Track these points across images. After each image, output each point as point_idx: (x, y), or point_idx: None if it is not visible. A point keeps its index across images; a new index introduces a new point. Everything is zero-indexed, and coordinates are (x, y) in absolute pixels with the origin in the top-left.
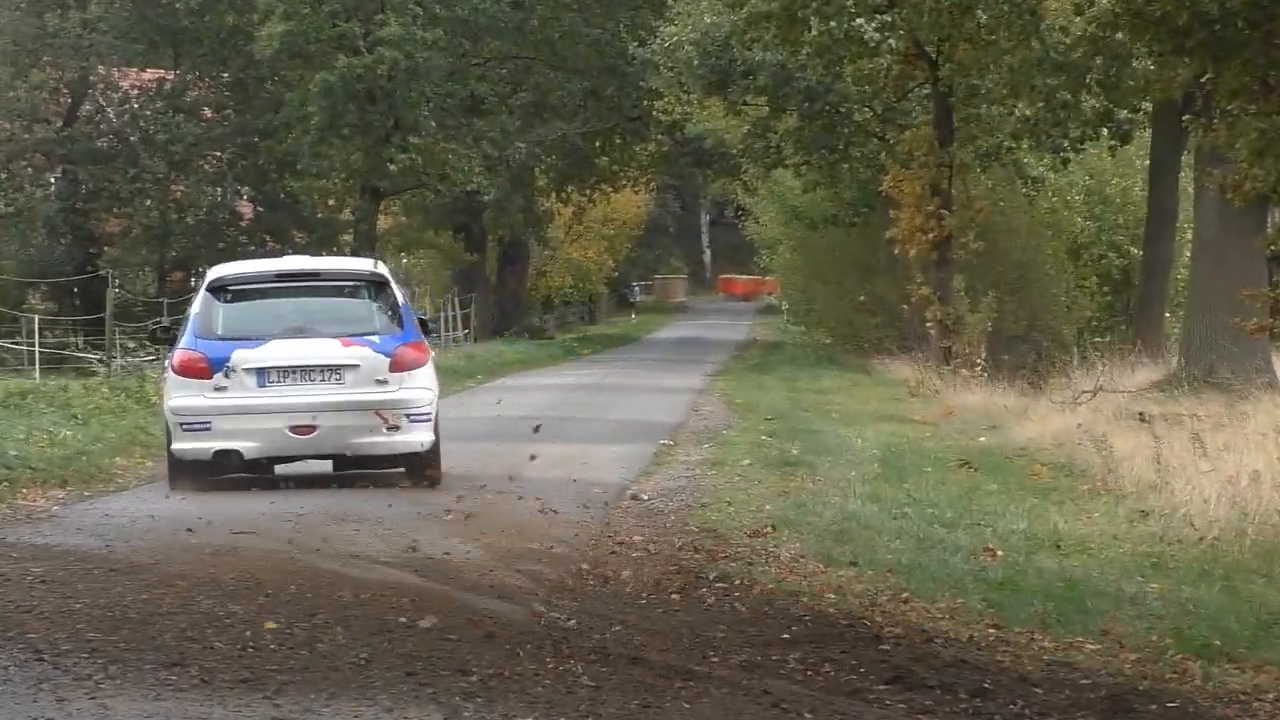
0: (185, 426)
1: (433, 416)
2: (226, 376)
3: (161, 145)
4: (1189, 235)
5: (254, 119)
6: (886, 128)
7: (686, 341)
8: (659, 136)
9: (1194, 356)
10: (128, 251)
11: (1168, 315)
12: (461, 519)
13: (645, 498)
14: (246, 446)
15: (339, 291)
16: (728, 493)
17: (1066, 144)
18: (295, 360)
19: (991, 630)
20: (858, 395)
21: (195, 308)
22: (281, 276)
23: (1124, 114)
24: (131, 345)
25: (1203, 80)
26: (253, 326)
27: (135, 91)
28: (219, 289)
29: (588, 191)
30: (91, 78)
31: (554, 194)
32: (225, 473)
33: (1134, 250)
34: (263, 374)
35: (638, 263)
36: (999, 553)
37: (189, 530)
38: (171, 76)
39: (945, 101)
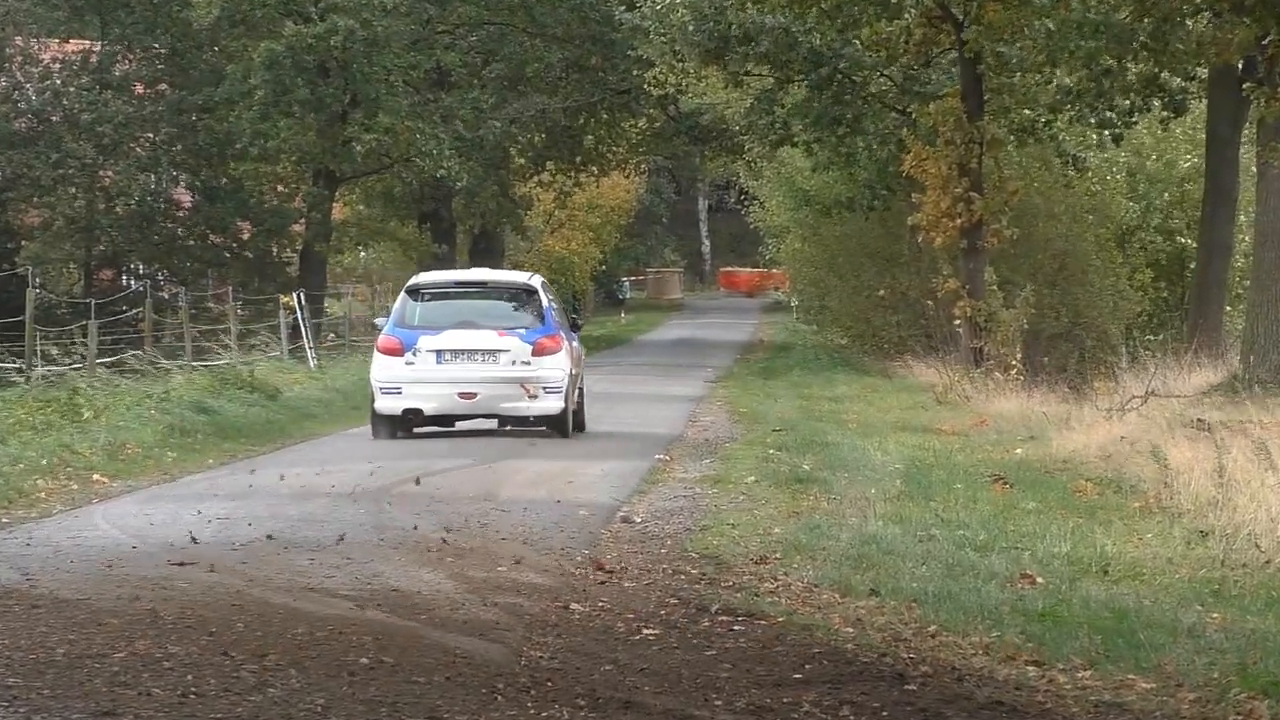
0: (383, 390)
1: (564, 389)
2: (414, 355)
3: (87, 126)
4: (1251, 218)
5: (191, 95)
6: (907, 99)
7: (683, 343)
8: (650, 112)
9: (1258, 355)
10: (49, 246)
11: (1228, 309)
12: (431, 545)
13: (638, 520)
14: (427, 406)
15: (499, 296)
16: (731, 514)
17: (1115, 117)
18: (463, 345)
19: (1031, 667)
20: (877, 403)
21: (397, 304)
22: (459, 284)
23: (1175, 82)
24: (55, 352)
25: (1265, 42)
26: (435, 320)
27: (57, 65)
28: (414, 291)
29: (570, 174)
30: (7, 50)
31: (532, 178)
32: (411, 426)
33: (1186, 236)
34: (440, 354)
35: (627, 255)
36: (1038, 580)
37: (109, 567)
38: (98, 48)
39: (974, 69)
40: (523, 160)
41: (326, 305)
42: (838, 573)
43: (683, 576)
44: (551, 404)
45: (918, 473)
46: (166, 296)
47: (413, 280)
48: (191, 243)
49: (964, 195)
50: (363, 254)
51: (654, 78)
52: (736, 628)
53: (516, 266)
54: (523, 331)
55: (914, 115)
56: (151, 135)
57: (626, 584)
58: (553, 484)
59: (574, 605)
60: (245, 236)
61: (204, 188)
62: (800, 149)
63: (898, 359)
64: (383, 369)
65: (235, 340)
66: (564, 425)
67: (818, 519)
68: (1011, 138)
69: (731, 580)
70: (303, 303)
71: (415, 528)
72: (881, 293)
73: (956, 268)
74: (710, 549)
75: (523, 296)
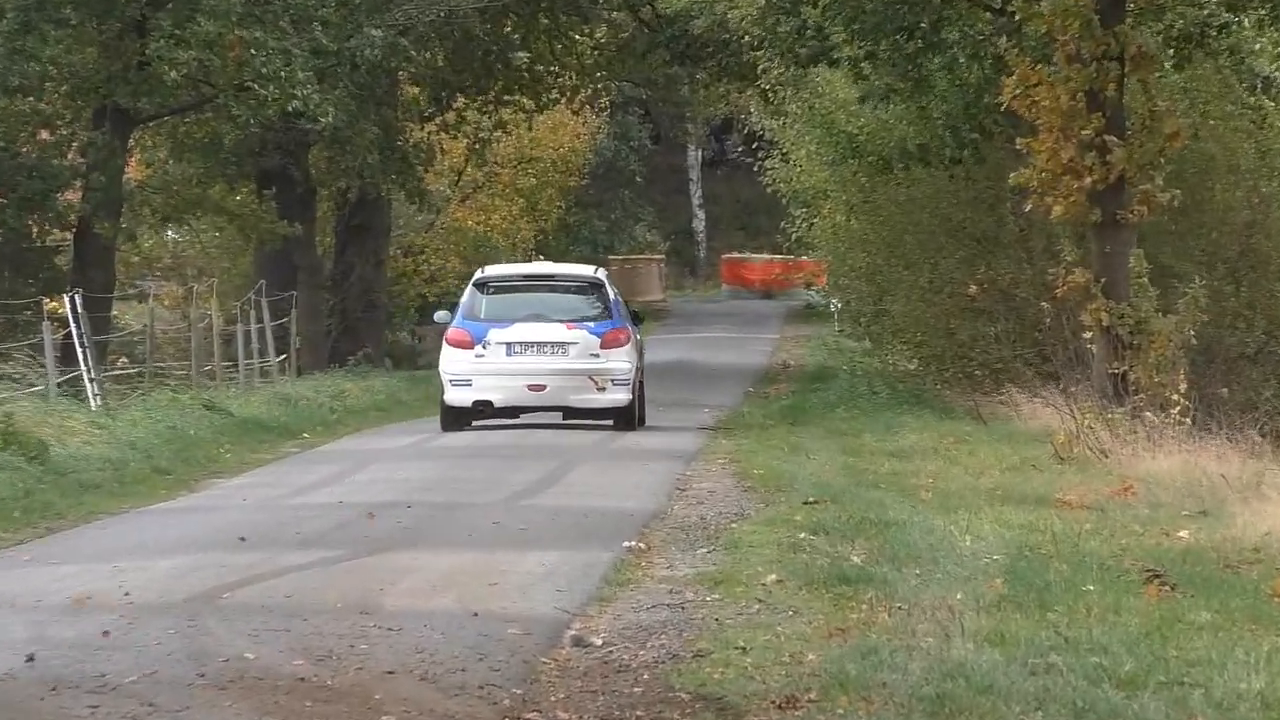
0: (454, 382)
1: (631, 382)
2: (484, 348)
3: None
4: None
5: None
6: None
7: (667, 372)
8: (615, 14)
9: None
10: None
11: None
12: (280, 684)
13: (597, 643)
14: (496, 398)
15: (567, 289)
16: (741, 632)
17: None
18: (532, 338)
19: None
20: (964, 459)
21: (465, 298)
22: (526, 278)
23: None
24: None
25: None
26: (504, 313)
27: None
28: (483, 285)
29: (491, 111)
30: None
31: (433, 117)
32: (481, 417)
33: None
34: (510, 347)
35: (579, 235)
36: None
37: None
38: None
39: None
40: (418, 90)
41: (116, 314)
42: None
43: None
44: (619, 396)
45: (1028, 568)
46: None
47: (480, 274)
48: None
49: (1096, 140)
50: (172, 235)
51: None
52: None
53: (408, 250)
54: (591, 324)
55: (1019, 17)
56: None
57: None
58: (467, 585)
59: None
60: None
61: None
62: (845, 70)
63: (996, 391)
64: (453, 361)
65: None
66: (631, 417)
67: (874, 640)
68: (1169, 51)
69: None
70: (79, 310)
71: (254, 656)
72: (971, 290)
73: (1086, 251)
74: (709, 687)
75: (589, 289)
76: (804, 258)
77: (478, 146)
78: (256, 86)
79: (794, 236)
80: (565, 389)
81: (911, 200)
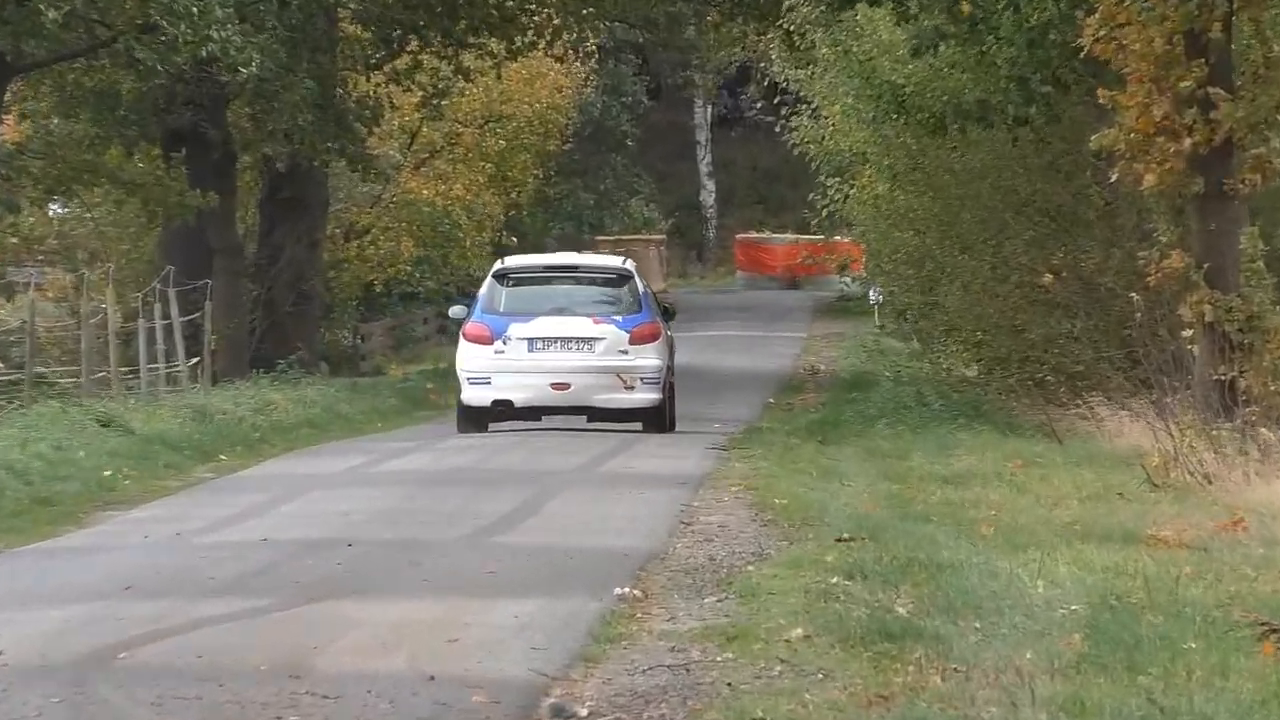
0: (471, 380)
1: (661, 380)
2: (504, 344)
3: None
4: None
5: None
6: None
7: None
8: None
9: None
10: None
11: None
12: None
13: (582, 714)
14: (517, 397)
15: (593, 281)
16: (759, 700)
17: None
18: (556, 333)
19: None
20: (1035, 486)
21: (483, 290)
22: (550, 269)
23: None
24: None
25: None
26: (525, 306)
27: None
28: (503, 276)
29: (451, 58)
30: None
31: (381, 65)
32: (501, 419)
33: None
34: (532, 342)
35: (561, 210)
36: None
37: None
38: None
39: None
40: (362, 33)
41: None
42: None
43: None
44: (649, 396)
45: (1113, 621)
46: None
47: (499, 264)
48: None
49: (1198, 93)
50: (58, 210)
51: None
52: None
53: (349, 230)
54: (619, 318)
55: None
56: None
57: None
58: (421, 642)
59: None
60: None
61: None
62: (887, 8)
63: (1073, 403)
64: (471, 358)
65: None
66: (661, 419)
67: (923, 709)
68: None
69: None
70: None
71: None
72: (1044, 279)
73: (1185, 230)
74: None
75: (617, 281)
76: (837, 238)
77: (435, 101)
78: (165, 24)
79: (825, 212)
80: (591, 388)
81: (970, 168)
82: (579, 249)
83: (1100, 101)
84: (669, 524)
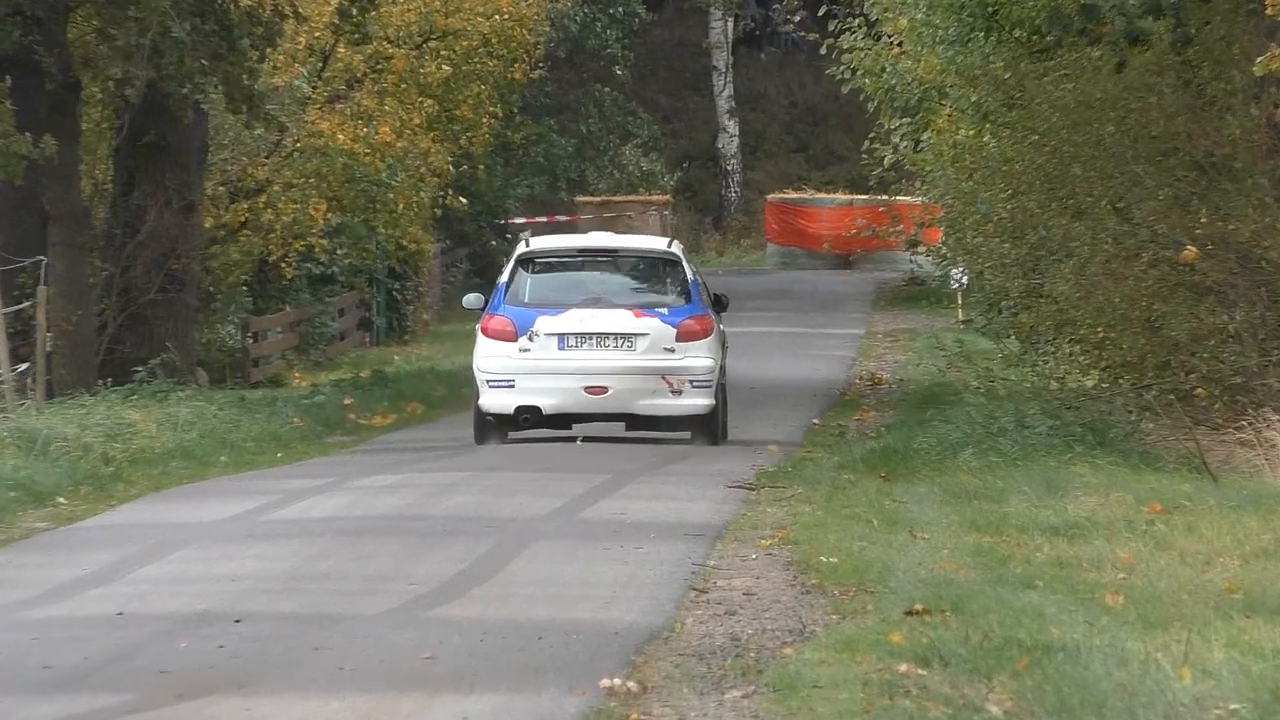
0: (492, 383)
1: (714, 383)
2: (530, 340)
3: None
4: None
5: None
6: None
7: None
8: None
9: None
10: None
11: None
12: None
13: None
14: (545, 403)
15: (634, 267)
16: None
17: None
18: (592, 328)
19: None
20: (1181, 540)
21: (504, 277)
22: (583, 252)
23: None
24: None
25: None
26: (555, 296)
27: None
28: (527, 261)
29: None
30: None
31: None
32: (525, 427)
33: None
34: (563, 339)
35: (532, 160)
36: None
37: None
38: None
39: None
40: None
41: None
42: None
43: None
44: (699, 401)
45: None
46: None
47: (524, 246)
48: None
49: None
50: None
51: None
52: None
53: (238, 188)
54: (664, 311)
55: None
56: None
57: None
58: None
59: None
60: None
61: None
62: None
63: (1233, 424)
64: (490, 357)
65: None
66: (714, 428)
67: None
68: None
69: None
70: None
71: None
72: (1188, 254)
73: None
74: None
75: (662, 267)
76: (905, 200)
77: (355, 11)
78: None
79: (887, 163)
80: (632, 392)
81: (1087, 102)
82: (552, 214)
83: (1268, 10)
84: (676, 590)
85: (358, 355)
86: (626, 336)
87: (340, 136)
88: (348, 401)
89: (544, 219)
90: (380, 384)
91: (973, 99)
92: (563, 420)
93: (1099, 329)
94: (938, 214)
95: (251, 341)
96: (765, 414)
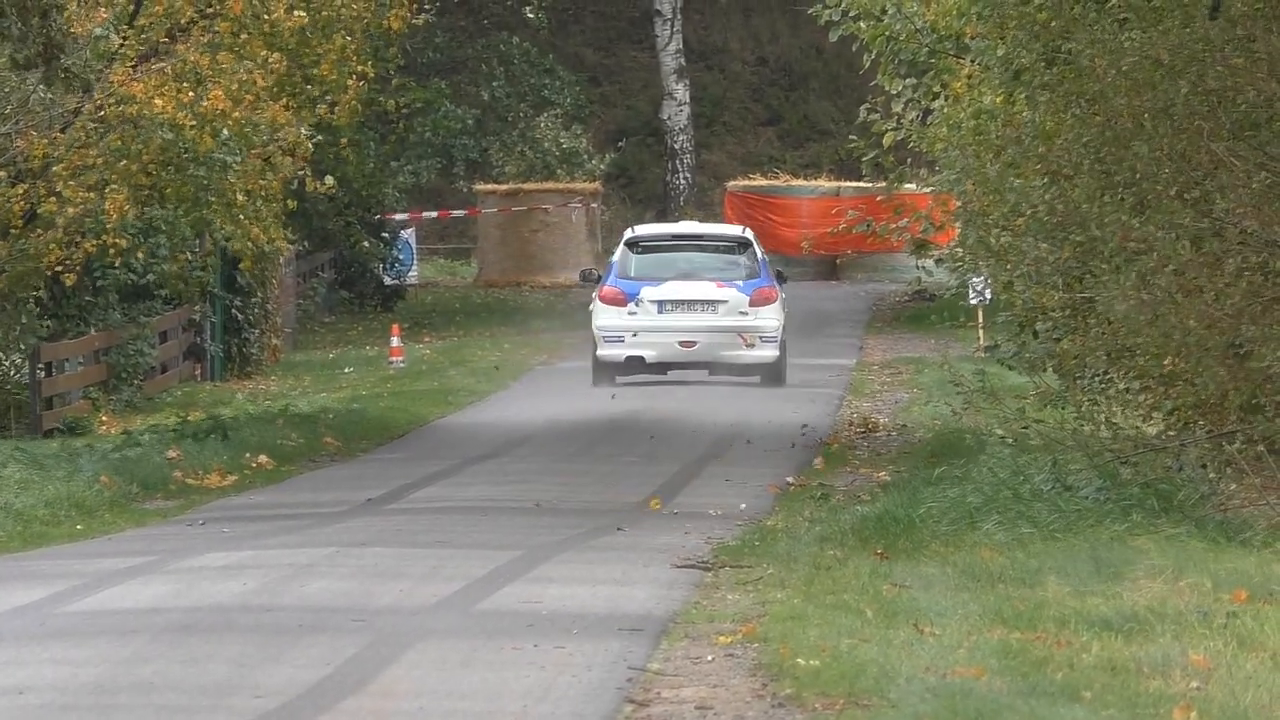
0: (606, 339)
1: (779, 338)
2: (637, 305)
3: None
4: None
5: None
6: None
7: (610, 435)
8: None
9: None
10: None
11: None
12: None
13: None
14: (648, 354)
15: (716, 248)
16: None
17: None
18: (684, 296)
19: None
20: (1273, 638)
21: (615, 257)
22: (676, 237)
23: None
24: None
25: None
26: (655, 271)
27: None
28: (633, 244)
29: None
30: None
31: None
32: (632, 373)
33: None
34: (661, 304)
35: (419, 139)
36: None
37: None
38: None
39: None
40: None
41: None
42: None
43: None
44: (768, 352)
45: None
46: None
47: (630, 233)
48: None
49: None
50: None
51: None
52: None
53: (20, 170)
54: (740, 283)
55: None
56: None
57: None
58: None
59: None
60: None
61: None
62: None
63: None
64: (607, 317)
65: None
66: (779, 373)
67: None
68: None
69: None
70: None
71: None
72: None
73: None
74: None
75: (738, 248)
76: (909, 188)
77: None
78: None
79: (888, 142)
80: (716, 345)
81: (1149, 60)
82: (444, 207)
83: None
84: (607, 705)
85: (185, 393)
86: (711, 302)
87: (158, 102)
88: (172, 454)
89: (434, 213)
90: (216, 431)
91: (1000, 53)
92: (661, 367)
93: (1166, 359)
94: (953, 208)
95: (43, 375)
96: (726, 470)
